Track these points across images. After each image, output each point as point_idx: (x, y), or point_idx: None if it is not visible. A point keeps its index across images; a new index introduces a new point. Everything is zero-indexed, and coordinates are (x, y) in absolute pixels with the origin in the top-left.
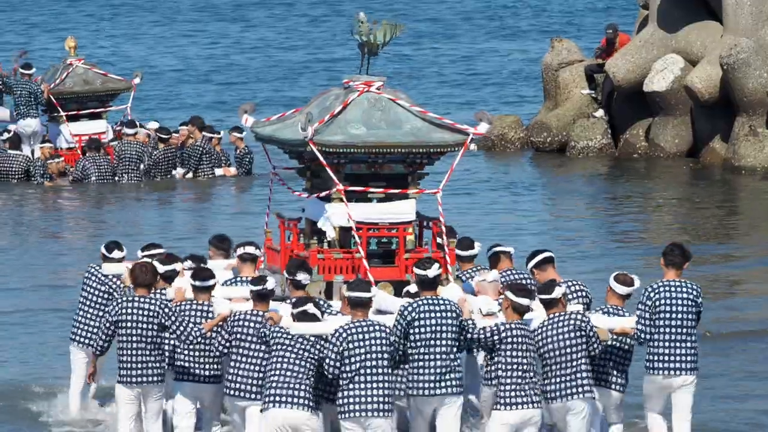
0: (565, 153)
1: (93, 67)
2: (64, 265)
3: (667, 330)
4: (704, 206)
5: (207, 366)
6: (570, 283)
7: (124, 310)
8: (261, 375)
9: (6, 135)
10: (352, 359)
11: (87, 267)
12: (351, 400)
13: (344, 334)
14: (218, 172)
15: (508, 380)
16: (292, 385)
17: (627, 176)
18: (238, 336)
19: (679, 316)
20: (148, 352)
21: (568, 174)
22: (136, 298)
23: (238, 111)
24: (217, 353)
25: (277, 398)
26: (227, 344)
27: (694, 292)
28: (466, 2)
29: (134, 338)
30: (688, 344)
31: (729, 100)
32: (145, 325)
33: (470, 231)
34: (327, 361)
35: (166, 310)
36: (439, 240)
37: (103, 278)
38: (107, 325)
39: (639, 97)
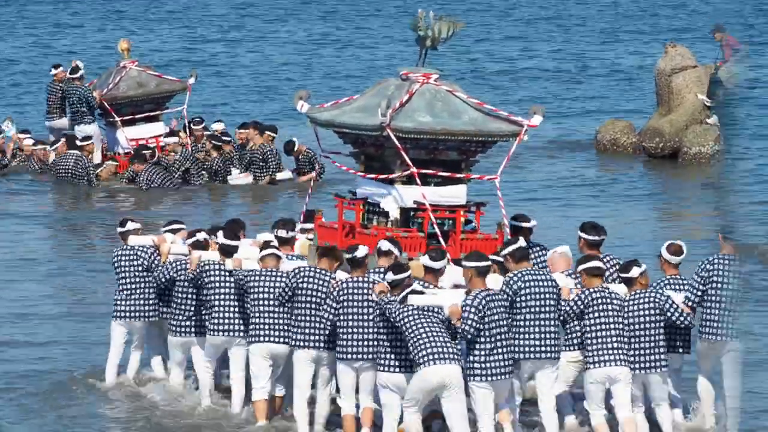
0: (677, 159)
1: (147, 69)
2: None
3: (718, 299)
4: None
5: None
6: (609, 257)
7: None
8: (373, 338)
9: (60, 142)
10: (487, 326)
11: (113, 252)
12: (486, 364)
13: (483, 302)
14: (281, 176)
15: (595, 341)
16: (443, 344)
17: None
18: (345, 303)
19: (730, 287)
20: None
21: (679, 180)
22: (314, 269)
23: (294, 97)
24: (328, 323)
25: (436, 356)
26: (336, 312)
27: None
28: (587, 3)
29: (306, 304)
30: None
31: None
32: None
33: (570, 233)
34: (469, 323)
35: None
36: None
37: (135, 253)
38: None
39: None
